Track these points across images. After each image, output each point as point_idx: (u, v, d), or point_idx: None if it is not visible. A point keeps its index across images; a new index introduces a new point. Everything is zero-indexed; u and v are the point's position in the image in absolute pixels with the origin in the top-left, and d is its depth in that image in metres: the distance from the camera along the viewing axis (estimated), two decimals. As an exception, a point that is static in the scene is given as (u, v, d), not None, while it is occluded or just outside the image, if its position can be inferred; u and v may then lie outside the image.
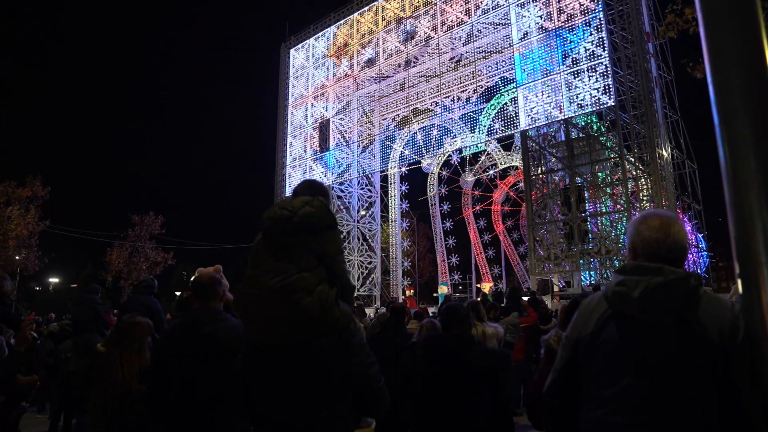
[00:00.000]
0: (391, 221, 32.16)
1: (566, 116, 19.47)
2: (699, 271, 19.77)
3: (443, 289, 28.72)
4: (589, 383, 1.65)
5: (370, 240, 31.31)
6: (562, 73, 19.45)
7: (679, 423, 1.47)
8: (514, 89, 21.62)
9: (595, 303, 1.73)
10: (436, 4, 24.55)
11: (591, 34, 18.97)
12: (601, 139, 19.96)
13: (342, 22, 29.06)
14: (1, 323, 3.91)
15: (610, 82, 18.22)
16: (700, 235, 21.33)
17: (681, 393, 1.48)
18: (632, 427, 1.51)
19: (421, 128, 27.50)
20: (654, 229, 1.66)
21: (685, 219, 20.48)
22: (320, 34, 30.40)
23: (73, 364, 5.96)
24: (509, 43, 22.45)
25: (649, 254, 1.65)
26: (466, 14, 23.61)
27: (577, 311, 1.81)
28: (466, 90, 25.90)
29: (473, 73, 24.69)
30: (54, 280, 49.37)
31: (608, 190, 19.74)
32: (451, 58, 25.52)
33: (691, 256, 19.94)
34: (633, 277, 1.59)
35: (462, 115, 25.52)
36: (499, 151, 28.25)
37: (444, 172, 31.32)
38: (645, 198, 18.87)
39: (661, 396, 1.49)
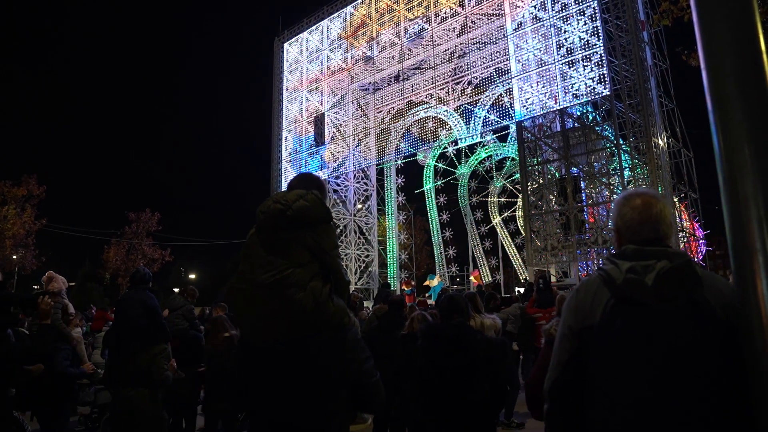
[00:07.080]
0: (388, 214, 32.12)
1: (561, 106, 19.41)
2: (696, 259, 19.79)
3: (433, 282, 25.72)
4: (605, 378, 1.53)
5: (366, 233, 31.29)
6: (556, 63, 19.37)
7: (708, 406, 1.41)
8: (509, 80, 21.54)
9: (595, 289, 1.63)
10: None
11: (585, 24, 18.88)
12: (596, 129, 19.92)
13: (335, 15, 28.90)
14: (17, 306, 3.77)
15: (605, 72, 18.12)
16: (697, 224, 21.34)
17: (705, 375, 1.43)
18: (664, 413, 1.42)
19: (416, 120, 27.40)
20: (637, 210, 1.63)
21: (682, 208, 20.48)
22: (313, 27, 30.24)
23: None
24: (503, 34, 22.36)
25: (633, 235, 1.62)
26: (459, 5, 23.48)
27: (574, 298, 1.70)
28: (460, 82, 25.80)
29: (467, 65, 24.59)
30: (51, 278, 49.20)
31: (604, 179, 19.72)
32: (446, 50, 25.40)
33: (689, 244, 19.99)
34: (640, 263, 1.53)
35: (457, 106, 25.43)
36: (495, 142, 28.18)
37: (440, 164, 31.24)
38: (642, 187, 18.84)
39: (689, 380, 1.43)
